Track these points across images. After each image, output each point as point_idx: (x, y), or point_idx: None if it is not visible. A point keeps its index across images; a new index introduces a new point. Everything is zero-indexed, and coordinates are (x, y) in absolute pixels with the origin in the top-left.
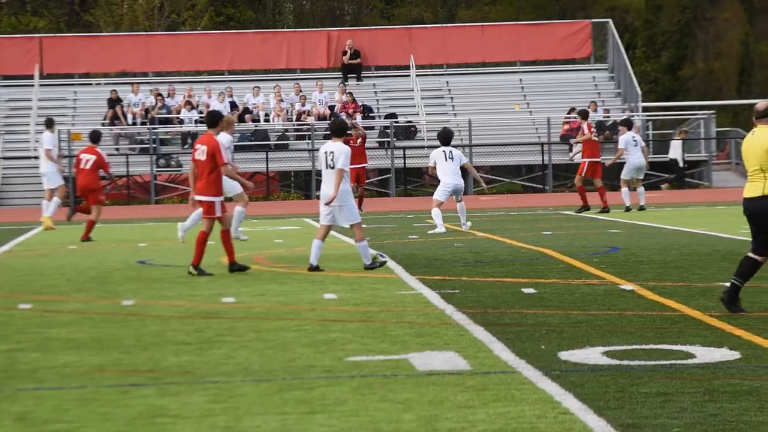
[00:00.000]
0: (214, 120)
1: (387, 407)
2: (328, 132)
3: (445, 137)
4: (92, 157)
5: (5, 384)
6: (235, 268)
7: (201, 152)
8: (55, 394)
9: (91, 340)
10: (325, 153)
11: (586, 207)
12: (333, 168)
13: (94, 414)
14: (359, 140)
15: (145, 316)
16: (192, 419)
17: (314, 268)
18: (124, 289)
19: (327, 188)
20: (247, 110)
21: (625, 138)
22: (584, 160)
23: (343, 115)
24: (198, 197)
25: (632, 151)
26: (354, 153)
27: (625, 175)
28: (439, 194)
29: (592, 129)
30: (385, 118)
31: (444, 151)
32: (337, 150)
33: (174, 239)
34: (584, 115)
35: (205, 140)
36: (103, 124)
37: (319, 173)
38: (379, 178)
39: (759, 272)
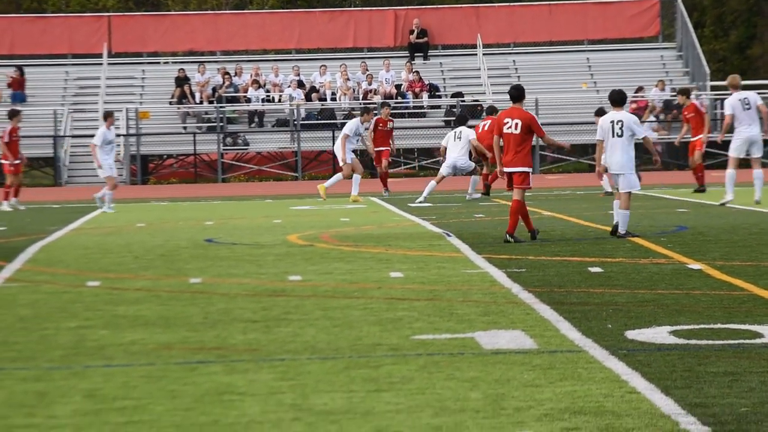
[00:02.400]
0: (521, 94)
1: (453, 385)
2: (396, 111)
3: (461, 119)
4: None
5: (74, 361)
6: (533, 236)
7: (513, 126)
8: (123, 371)
9: (158, 317)
10: (612, 122)
11: (702, 188)
12: (622, 136)
13: (161, 391)
14: (390, 123)
15: (212, 294)
16: (259, 396)
17: (624, 235)
18: (191, 267)
19: (614, 157)
20: (314, 89)
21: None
22: (698, 137)
23: (410, 95)
24: (509, 169)
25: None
26: (381, 136)
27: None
28: (443, 170)
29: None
30: (451, 97)
31: (454, 132)
32: (626, 119)
33: (239, 218)
34: (687, 93)
35: (517, 114)
36: (170, 103)
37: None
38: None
39: None
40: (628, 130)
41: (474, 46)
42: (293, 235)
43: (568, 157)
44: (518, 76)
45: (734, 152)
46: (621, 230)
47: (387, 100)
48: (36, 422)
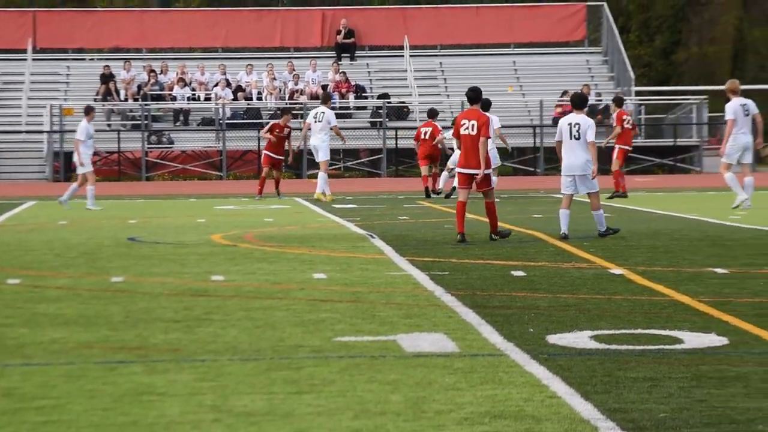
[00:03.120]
0: (478, 95)
1: (374, 388)
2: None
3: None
4: None
5: None
6: (499, 235)
7: (470, 127)
8: (43, 370)
9: (79, 316)
10: (570, 124)
11: (621, 193)
12: (579, 139)
13: (81, 390)
14: (286, 130)
15: (134, 293)
16: (179, 397)
17: (565, 237)
18: (113, 265)
19: (570, 159)
20: (240, 88)
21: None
22: (620, 146)
23: (336, 96)
24: (467, 171)
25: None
26: (276, 142)
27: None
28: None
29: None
30: (377, 98)
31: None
32: (583, 122)
33: (162, 217)
34: (620, 102)
35: (474, 116)
36: (95, 100)
37: (309, 153)
38: (371, 158)
39: (748, 258)
40: (584, 133)
41: (401, 48)
42: (217, 235)
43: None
44: (444, 78)
45: (727, 158)
46: (600, 228)
47: (288, 107)
48: None
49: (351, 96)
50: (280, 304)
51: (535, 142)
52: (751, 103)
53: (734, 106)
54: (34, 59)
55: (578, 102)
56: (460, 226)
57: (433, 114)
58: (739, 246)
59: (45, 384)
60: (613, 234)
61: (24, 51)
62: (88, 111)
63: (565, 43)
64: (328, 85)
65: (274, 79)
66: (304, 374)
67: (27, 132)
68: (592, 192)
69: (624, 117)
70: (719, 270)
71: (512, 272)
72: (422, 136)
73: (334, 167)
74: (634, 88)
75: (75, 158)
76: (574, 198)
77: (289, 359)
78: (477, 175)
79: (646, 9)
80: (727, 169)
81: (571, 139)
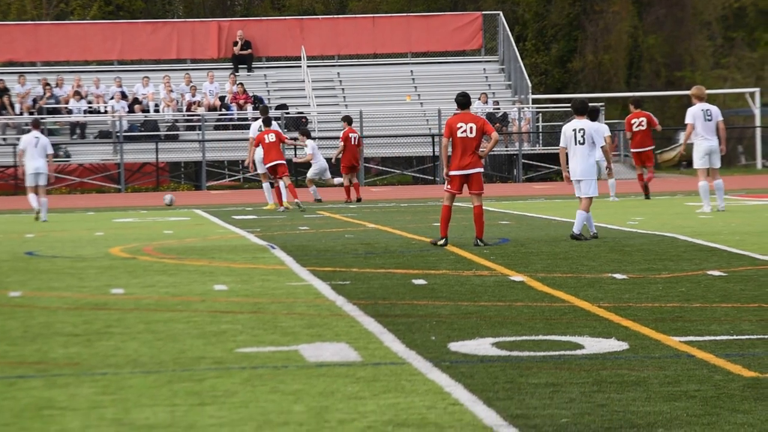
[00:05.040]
0: (468, 100)
1: (277, 398)
2: (220, 123)
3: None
4: None
5: None
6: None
7: (468, 130)
8: None
9: None
10: (574, 130)
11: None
12: (584, 144)
13: None
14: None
15: (33, 308)
16: (80, 411)
17: (577, 237)
18: (11, 280)
19: (574, 163)
20: (136, 100)
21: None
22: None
23: (234, 107)
24: (469, 171)
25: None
26: (273, 148)
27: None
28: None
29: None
30: (276, 109)
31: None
32: (588, 127)
33: (60, 230)
34: (638, 103)
35: (470, 119)
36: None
37: (209, 164)
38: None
39: (646, 263)
40: (589, 138)
41: (298, 58)
42: (116, 248)
43: (392, 170)
44: (342, 88)
45: (699, 164)
46: (575, 230)
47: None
48: None
49: (249, 107)
50: (180, 317)
51: (433, 151)
52: (714, 109)
53: (695, 111)
54: None
55: (580, 108)
56: (444, 230)
57: (350, 120)
58: (637, 251)
59: None
60: (584, 240)
61: None
62: (36, 124)
63: (462, 52)
64: (225, 96)
65: (171, 91)
66: (206, 386)
67: None
68: (588, 196)
69: (632, 120)
70: (618, 275)
71: (413, 281)
72: (352, 143)
73: (233, 179)
74: (531, 96)
75: None
76: (470, 206)
77: (191, 371)
78: (477, 172)
79: (541, 18)
80: (703, 176)
81: (576, 144)
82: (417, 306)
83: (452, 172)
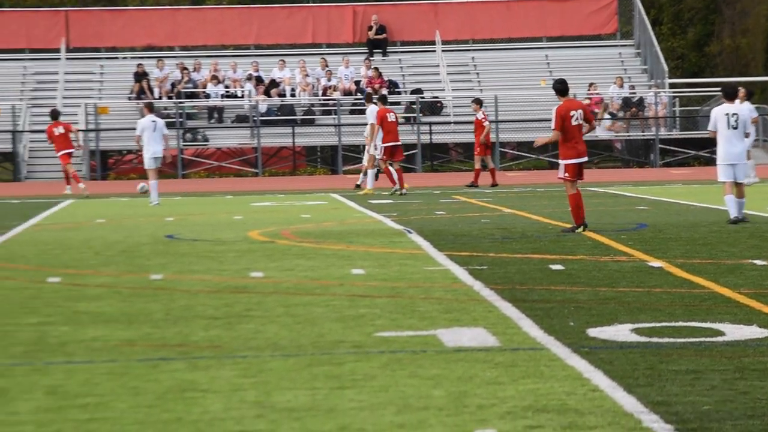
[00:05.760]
0: (567, 86)
1: (416, 383)
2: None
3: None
4: None
5: (35, 357)
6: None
7: (578, 116)
8: (85, 368)
9: (120, 314)
10: (726, 115)
11: None
12: (737, 129)
13: (124, 388)
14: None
15: (174, 291)
16: (221, 393)
17: (735, 221)
18: (152, 263)
19: (730, 148)
20: (274, 84)
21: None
22: None
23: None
24: (584, 159)
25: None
26: (391, 129)
27: None
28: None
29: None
30: (410, 93)
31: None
32: (741, 111)
33: (199, 214)
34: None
35: (577, 105)
36: (129, 98)
37: (345, 148)
38: (406, 153)
39: None
40: (743, 123)
41: (433, 43)
42: (254, 232)
43: (528, 154)
44: (477, 73)
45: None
46: (739, 215)
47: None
48: None
49: (384, 92)
50: (319, 300)
51: None
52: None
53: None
54: (67, 58)
55: (730, 92)
56: (580, 217)
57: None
58: None
59: (88, 382)
60: (743, 222)
61: (57, 50)
62: (149, 107)
63: (597, 36)
64: (360, 80)
65: (307, 75)
66: (345, 369)
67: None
68: (743, 182)
69: None
70: (759, 262)
71: (551, 266)
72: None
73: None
74: (668, 81)
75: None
76: (606, 191)
77: (331, 354)
78: (586, 160)
79: (677, 1)
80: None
81: (728, 128)
82: (554, 291)
83: (572, 161)
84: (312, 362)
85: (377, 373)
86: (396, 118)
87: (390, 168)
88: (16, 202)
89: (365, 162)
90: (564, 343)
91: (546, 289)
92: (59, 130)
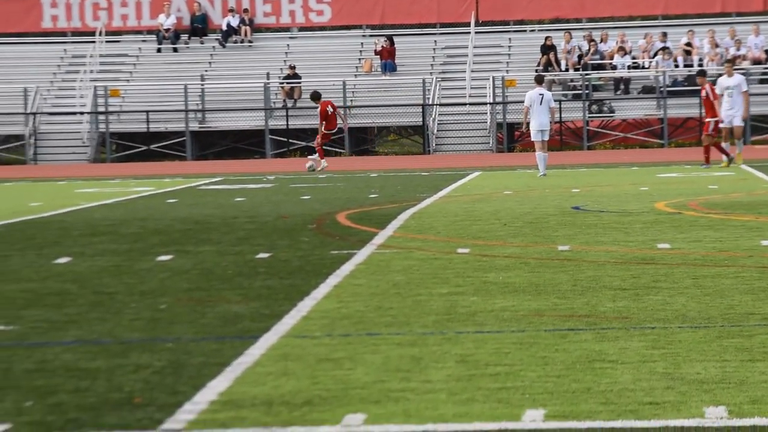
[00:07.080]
0: None
1: None
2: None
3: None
4: None
5: (446, 326)
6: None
7: None
8: (495, 337)
9: (527, 284)
10: None
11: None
12: None
13: (533, 358)
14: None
15: (581, 262)
16: (631, 365)
17: None
18: (559, 234)
19: None
20: (688, 52)
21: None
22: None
23: None
24: None
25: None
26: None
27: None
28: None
29: None
30: None
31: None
32: None
33: (605, 185)
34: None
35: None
36: (536, 71)
37: (752, 118)
38: None
39: None
40: None
41: None
42: (660, 203)
43: None
44: None
45: None
46: None
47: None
48: (412, 386)
49: None
50: (728, 272)
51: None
52: None
53: None
54: (477, 32)
55: None
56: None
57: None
58: None
59: (498, 351)
60: None
61: (467, 24)
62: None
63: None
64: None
65: (717, 45)
66: (756, 342)
67: (471, 104)
68: None
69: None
70: None
71: None
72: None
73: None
74: None
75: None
76: None
77: (741, 326)
78: None
79: None
80: None
81: None
82: None
83: None
84: (721, 334)
85: None
86: None
87: None
88: (425, 174)
89: None
90: None
91: None
92: (330, 110)
